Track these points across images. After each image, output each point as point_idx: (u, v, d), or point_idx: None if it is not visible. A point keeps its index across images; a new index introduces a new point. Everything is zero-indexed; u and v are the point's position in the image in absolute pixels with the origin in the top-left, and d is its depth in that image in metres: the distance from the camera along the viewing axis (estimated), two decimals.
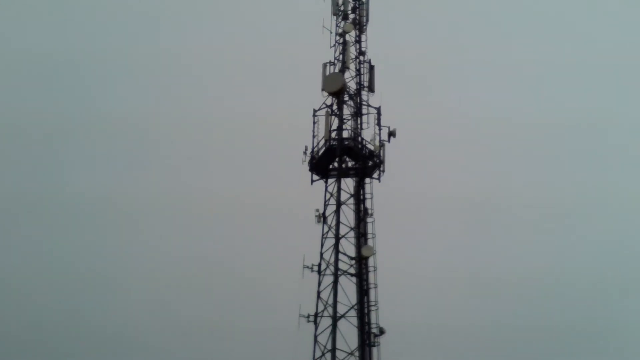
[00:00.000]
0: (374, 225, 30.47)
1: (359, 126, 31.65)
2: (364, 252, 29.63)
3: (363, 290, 29.32)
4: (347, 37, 33.16)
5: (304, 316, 28.64)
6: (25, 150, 63.37)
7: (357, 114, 31.85)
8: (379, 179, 31.21)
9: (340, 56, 32.65)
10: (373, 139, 31.38)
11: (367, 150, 31.27)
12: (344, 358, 27.79)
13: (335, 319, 28.13)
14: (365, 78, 32.64)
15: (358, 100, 32.10)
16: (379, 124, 31.65)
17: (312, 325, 28.64)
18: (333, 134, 31.24)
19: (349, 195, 30.48)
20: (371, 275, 29.58)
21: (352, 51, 32.82)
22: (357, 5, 33.91)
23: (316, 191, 31.25)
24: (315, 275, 29.25)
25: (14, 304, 51.03)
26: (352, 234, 29.89)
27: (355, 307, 28.82)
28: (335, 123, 31.46)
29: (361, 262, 29.64)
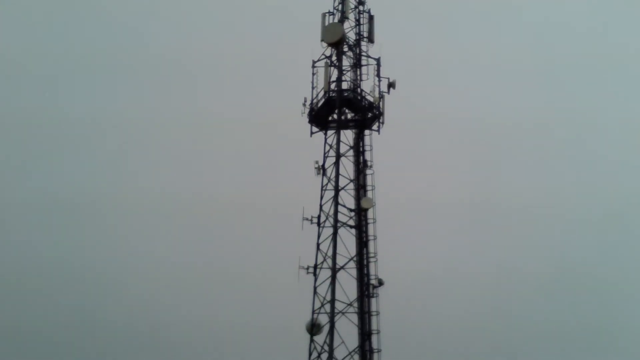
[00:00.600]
0: (373, 178, 30.46)
1: (358, 77, 31.34)
2: (364, 204, 29.63)
3: (362, 242, 29.40)
4: None
5: (303, 268, 28.77)
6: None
7: (357, 65, 31.48)
8: (378, 130, 31.06)
9: (340, 6, 32.14)
10: (372, 91, 31.14)
11: (366, 102, 31.02)
12: (344, 309, 28.02)
13: (334, 270, 28.26)
14: (364, 28, 32.19)
15: (357, 51, 31.70)
16: (378, 75, 31.34)
17: (311, 277, 28.81)
18: (332, 86, 30.95)
19: (348, 147, 30.35)
20: (370, 227, 29.65)
21: (352, 0, 32.31)
22: None
23: (315, 143, 31.15)
24: (315, 227, 29.30)
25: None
26: (351, 186, 29.84)
27: (355, 258, 28.94)
28: (334, 74, 31.14)
29: (360, 214, 29.66)
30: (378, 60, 31.47)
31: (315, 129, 31.33)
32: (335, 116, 30.83)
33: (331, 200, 29.38)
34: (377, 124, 31.01)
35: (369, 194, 30.18)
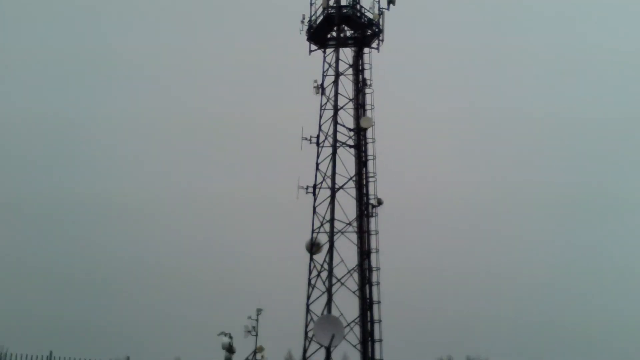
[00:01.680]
0: (372, 97, 30.08)
1: None
2: (363, 123, 29.34)
3: (361, 161, 29.26)
4: None
5: (302, 187, 28.73)
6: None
7: None
8: (377, 48, 30.47)
9: None
10: (372, 7, 30.42)
11: (366, 19, 30.32)
12: (343, 228, 28.13)
13: (333, 190, 28.23)
14: None
15: None
16: None
17: (311, 197, 28.82)
18: (331, 2, 30.19)
19: (347, 66, 29.84)
20: (370, 147, 29.49)
21: None
22: None
23: (314, 62, 30.60)
24: (314, 147, 29.13)
25: None
26: (350, 105, 29.49)
27: (354, 178, 28.87)
28: None
29: (360, 134, 29.42)
30: None
31: (314, 47, 30.74)
32: (334, 34, 30.21)
33: (330, 119, 29.08)
34: (376, 41, 30.40)
35: (369, 113, 29.85)
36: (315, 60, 30.56)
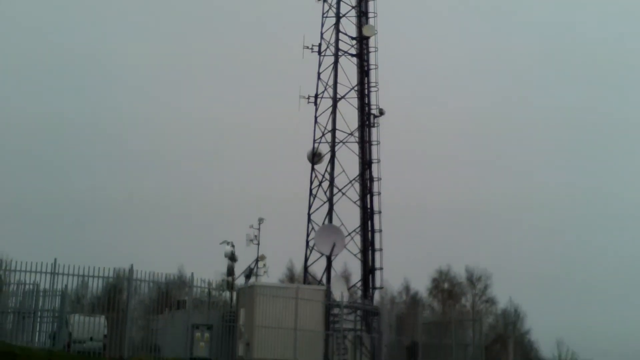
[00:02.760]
0: (375, 4, 29.31)
1: None
2: (365, 31, 28.73)
3: (363, 71, 28.83)
4: None
5: (304, 97, 28.39)
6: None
7: None
8: None
9: None
10: None
11: None
12: (344, 138, 28.00)
13: (335, 99, 27.94)
14: None
15: None
16: None
17: (312, 107, 28.52)
18: None
19: None
20: (372, 56, 28.98)
21: None
22: None
23: None
24: (315, 56, 28.60)
25: None
26: (353, 12, 28.83)
27: (356, 88, 28.53)
28: None
29: (362, 42, 28.87)
30: None
31: None
32: None
33: (332, 27, 28.51)
34: None
35: (371, 21, 29.18)
36: None
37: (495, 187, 66.78)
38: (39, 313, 18.44)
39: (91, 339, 18.80)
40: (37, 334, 18.65)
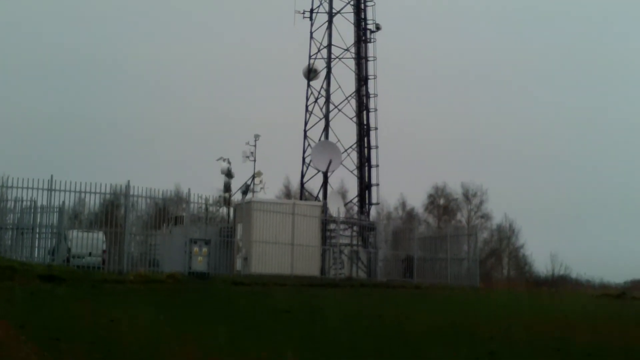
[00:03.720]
0: None
1: None
2: None
3: None
4: None
5: (299, 12, 27.88)
6: None
7: None
8: None
9: None
10: None
11: None
12: (340, 54, 27.65)
13: (331, 14, 27.47)
14: None
15: None
16: None
17: (307, 22, 28.03)
18: None
19: None
20: None
21: None
22: None
23: None
24: None
25: None
26: None
27: (352, 2, 27.99)
28: None
29: None
30: None
31: None
32: None
33: None
34: None
35: None
36: None
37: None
38: (38, 229, 18.57)
39: (90, 254, 19.01)
40: (36, 249, 18.83)
